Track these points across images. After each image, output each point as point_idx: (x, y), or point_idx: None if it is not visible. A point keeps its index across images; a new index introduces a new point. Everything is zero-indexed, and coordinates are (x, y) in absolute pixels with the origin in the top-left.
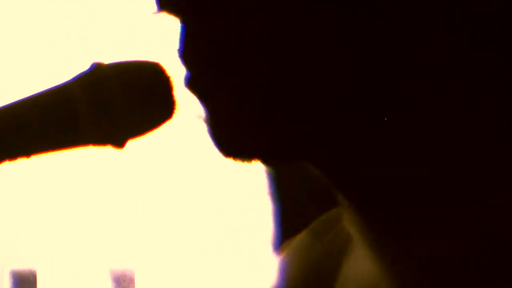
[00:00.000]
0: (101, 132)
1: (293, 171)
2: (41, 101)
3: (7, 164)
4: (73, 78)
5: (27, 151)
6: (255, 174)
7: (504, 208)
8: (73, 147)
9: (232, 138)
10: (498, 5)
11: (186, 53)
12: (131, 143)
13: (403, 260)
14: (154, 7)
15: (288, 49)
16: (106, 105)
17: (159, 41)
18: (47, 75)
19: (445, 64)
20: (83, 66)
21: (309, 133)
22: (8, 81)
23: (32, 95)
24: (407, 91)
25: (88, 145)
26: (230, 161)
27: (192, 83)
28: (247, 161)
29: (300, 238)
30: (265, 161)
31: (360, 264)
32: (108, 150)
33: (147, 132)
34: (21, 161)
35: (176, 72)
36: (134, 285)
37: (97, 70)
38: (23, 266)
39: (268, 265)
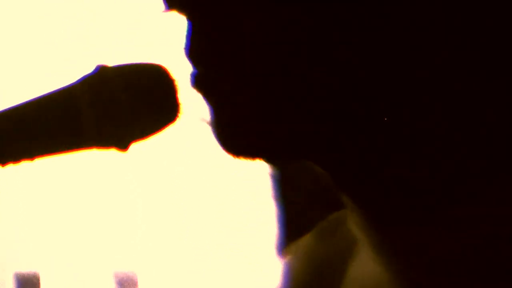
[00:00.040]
0: (105, 135)
1: (297, 172)
2: (45, 103)
3: (10, 166)
4: (77, 80)
5: (31, 154)
6: (259, 177)
7: (504, 208)
8: (77, 150)
9: (236, 136)
10: (498, 5)
11: (193, 51)
12: (135, 146)
13: (408, 261)
14: (158, 6)
15: (295, 48)
16: (110, 108)
17: (163, 42)
18: (51, 76)
19: (445, 64)
20: (87, 68)
21: (315, 133)
22: (10, 83)
23: (36, 98)
24: (411, 91)
25: (92, 148)
26: (234, 159)
27: (198, 81)
28: (251, 159)
29: (305, 240)
30: (269, 160)
31: (365, 266)
32: (112, 153)
33: (151, 135)
34: (24, 164)
35: (181, 74)
36: None
37: (101, 72)
38: (26, 268)
39: (272, 267)
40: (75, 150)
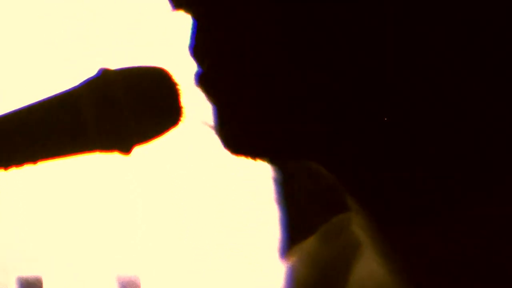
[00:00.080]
0: (107, 138)
1: (301, 174)
2: (48, 106)
3: (13, 170)
4: (80, 84)
5: (33, 157)
6: (262, 180)
7: (504, 208)
8: (80, 153)
9: (239, 135)
10: (498, 5)
11: (197, 50)
12: (138, 150)
13: (412, 263)
14: (161, 7)
15: (296, 49)
16: (112, 111)
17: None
18: (54, 79)
19: (445, 64)
20: (90, 71)
21: (315, 133)
22: (13, 85)
23: (39, 101)
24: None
25: (94, 151)
26: (235, 159)
27: (202, 80)
28: (254, 158)
29: (309, 242)
30: (270, 160)
31: (369, 267)
32: (114, 156)
33: (154, 139)
34: (27, 168)
35: (183, 77)
36: None
37: (104, 76)
38: (29, 272)
39: (276, 270)
40: (78, 154)
